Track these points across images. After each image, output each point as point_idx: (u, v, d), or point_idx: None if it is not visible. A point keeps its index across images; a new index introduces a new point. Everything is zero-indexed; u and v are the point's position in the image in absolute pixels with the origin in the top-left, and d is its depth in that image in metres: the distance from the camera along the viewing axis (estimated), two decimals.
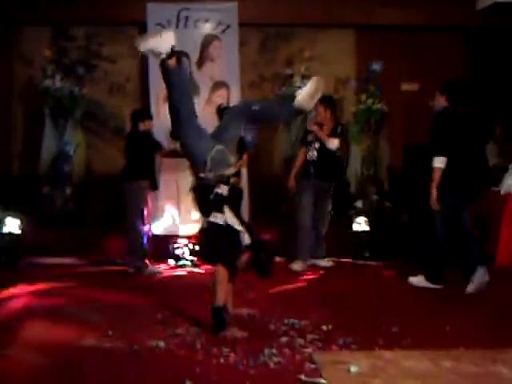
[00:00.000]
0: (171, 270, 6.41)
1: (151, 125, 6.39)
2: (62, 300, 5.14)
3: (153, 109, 7.38)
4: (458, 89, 5.48)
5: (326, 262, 6.46)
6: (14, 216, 6.54)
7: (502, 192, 6.42)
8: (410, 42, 7.90)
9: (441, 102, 5.46)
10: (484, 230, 6.48)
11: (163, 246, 6.59)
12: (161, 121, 7.31)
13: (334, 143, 6.23)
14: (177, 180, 6.61)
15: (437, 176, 5.24)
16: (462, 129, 5.30)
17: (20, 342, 4.07)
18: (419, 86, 7.92)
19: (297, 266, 6.26)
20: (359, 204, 6.98)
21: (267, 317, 4.61)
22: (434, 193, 5.25)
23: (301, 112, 4.32)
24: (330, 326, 4.35)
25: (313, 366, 3.66)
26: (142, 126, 6.25)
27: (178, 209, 6.68)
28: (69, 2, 7.36)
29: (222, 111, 5.99)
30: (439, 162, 5.25)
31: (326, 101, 6.21)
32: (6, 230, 6.60)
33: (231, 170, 4.15)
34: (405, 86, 7.98)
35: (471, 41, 7.93)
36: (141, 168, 6.12)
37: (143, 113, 6.55)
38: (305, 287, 5.69)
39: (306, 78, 7.23)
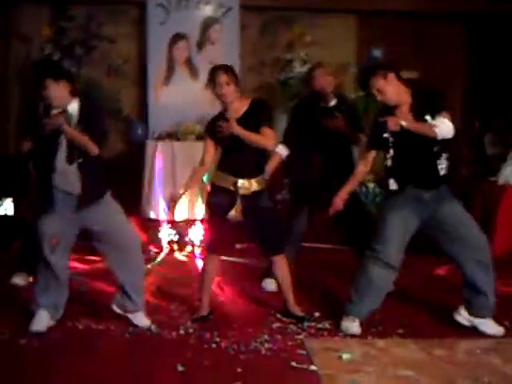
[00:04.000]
0: (165, 255, 6.39)
1: None
2: None
3: (151, 92, 7.34)
4: None
5: None
6: (9, 198, 6.51)
7: (500, 182, 6.40)
8: (412, 29, 7.81)
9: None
10: (481, 220, 6.47)
11: (158, 230, 6.57)
12: (158, 104, 7.30)
13: None
14: (173, 163, 6.55)
15: None
16: None
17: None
18: (421, 73, 7.86)
19: None
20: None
21: (260, 304, 4.62)
22: None
23: None
24: (322, 314, 4.36)
25: (304, 352, 3.66)
26: None
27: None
28: None
29: None
30: None
31: None
32: (0, 211, 6.59)
33: None
34: (405, 74, 7.89)
35: (473, 28, 7.86)
36: None
37: None
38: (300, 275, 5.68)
39: (305, 63, 7.18)
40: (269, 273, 4.79)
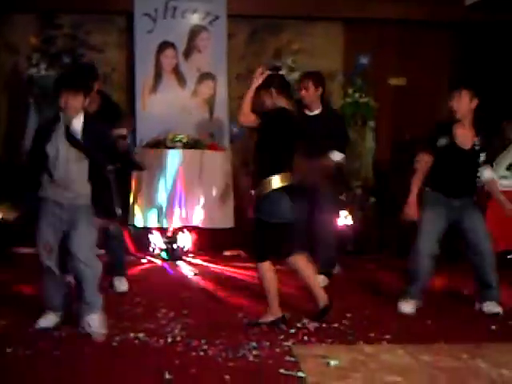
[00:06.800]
0: (155, 262, 6.38)
1: None
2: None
3: (139, 100, 7.34)
4: None
5: None
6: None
7: (487, 187, 6.43)
8: (399, 37, 7.84)
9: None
10: None
11: (147, 238, 6.56)
12: (146, 112, 7.30)
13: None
14: (162, 170, 6.54)
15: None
16: None
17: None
18: (407, 80, 7.91)
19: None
20: (343, 198, 6.95)
21: (248, 310, 4.62)
22: None
23: None
24: (310, 320, 4.36)
25: (292, 359, 3.66)
26: None
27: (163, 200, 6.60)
28: None
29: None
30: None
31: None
32: None
33: None
34: (392, 81, 7.96)
35: (459, 36, 7.91)
36: None
37: None
38: (288, 281, 5.68)
39: (292, 70, 7.21)
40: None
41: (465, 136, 4.65)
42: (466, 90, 4.61)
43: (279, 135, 4.19)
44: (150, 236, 6.52)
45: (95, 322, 4.00)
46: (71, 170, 3.95)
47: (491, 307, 4.69)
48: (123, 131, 5.01)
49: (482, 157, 4.71)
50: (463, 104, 4.61)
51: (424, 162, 4.69)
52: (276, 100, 4.28)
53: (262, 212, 4.20)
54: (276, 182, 4.16)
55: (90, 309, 4.02)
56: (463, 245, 4.82)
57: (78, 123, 3.96)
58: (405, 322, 4.42)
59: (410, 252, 4.75)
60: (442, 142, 4.64)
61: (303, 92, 5.24)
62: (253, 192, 4.30)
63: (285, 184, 4.18)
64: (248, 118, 4.26)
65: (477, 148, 4.67)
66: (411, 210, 4.66)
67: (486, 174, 4.77)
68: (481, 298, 4.78)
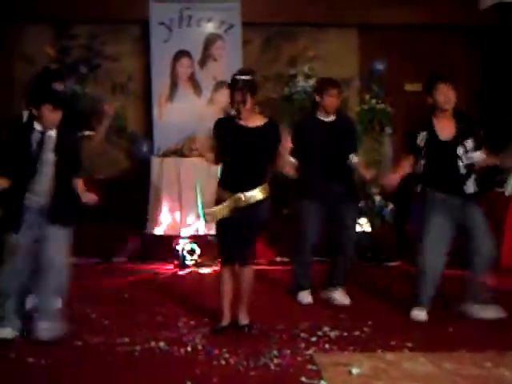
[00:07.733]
0: (174, 271, 6.38)
1: None
2: None
3: (155, 109, 7.36)
4: None
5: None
6: None
7: (507, 193, 6.40)
8: (414, 42, 7.84)
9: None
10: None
11: (165, 246, 6.56)
12: (163, 121, 7.32)
13: None
14: (179, 179, 6.56)
15: None
16: None
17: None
18: (423, 86, 7.87)
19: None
20: (362, 205, 6.93)
21: (269, 318, 4.60)
22: None
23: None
24: (331, 328, 4.34)
25: (314, 367, 3.64)
26: None
27: (180, 208, 6.62)
28: (70, 0, 7.33)
29: None
30: None
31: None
32: None
33: None
34: (408, 87, 7.93)
35: (474, 40, 7.89)
36: None
37: None
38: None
39: (308, 77, 7.22)
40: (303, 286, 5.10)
41: (445, 127, 4.56)
42: (449, 81, 4.58)
43: None
44: (170, 244, 6.51)
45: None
46: (47, 176, 4.06)
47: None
48: (91, 133, 5.03)
49: (469, 143, 4.55)
50: (452, 95, 4.56)
51: (406, 163, 4.70)
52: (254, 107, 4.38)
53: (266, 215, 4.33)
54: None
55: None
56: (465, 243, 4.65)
57: (52, 133, 4.11)
58: (426, 330, 4.38)
59: (417, 258, 4.70)
60: (422, 137, 4.59)
61: (329, 99, 5.08)
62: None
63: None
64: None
65: (460, 139, 4.53)
66: (391, 179, 4.74)
67: (476, 156, 4.56)
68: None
